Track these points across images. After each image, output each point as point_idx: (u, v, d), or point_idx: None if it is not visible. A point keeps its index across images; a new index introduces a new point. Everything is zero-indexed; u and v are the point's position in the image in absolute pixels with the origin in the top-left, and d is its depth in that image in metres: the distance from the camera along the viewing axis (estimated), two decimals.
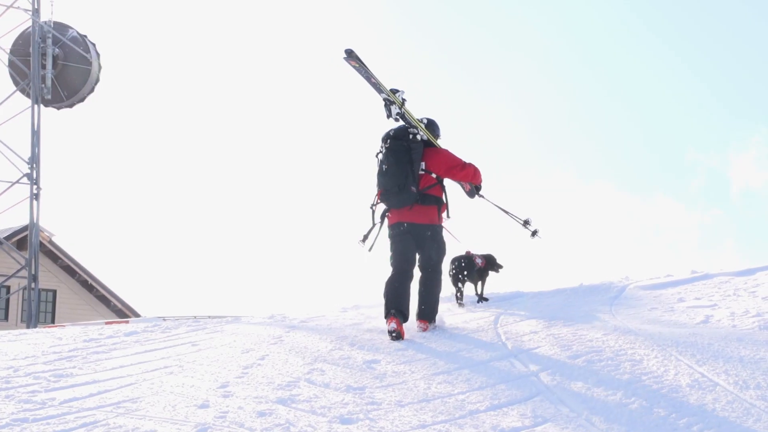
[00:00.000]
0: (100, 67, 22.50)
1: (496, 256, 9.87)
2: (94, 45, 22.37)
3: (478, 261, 9.69)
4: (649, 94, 52.95)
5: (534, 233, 8.91)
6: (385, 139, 8.43)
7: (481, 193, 8.83)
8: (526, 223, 8.95)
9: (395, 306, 7.80)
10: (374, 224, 8.52)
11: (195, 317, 13.46)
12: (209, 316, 13.44)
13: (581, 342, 6.53)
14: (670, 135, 53.72)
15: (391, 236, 8.34)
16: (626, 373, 5.55)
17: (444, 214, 8.42)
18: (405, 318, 7.82)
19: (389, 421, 4.74)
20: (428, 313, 8.02)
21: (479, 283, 9.85)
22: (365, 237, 8.52)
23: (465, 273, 9.65)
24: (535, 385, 5.46)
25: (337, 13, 53.52)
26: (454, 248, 8.94)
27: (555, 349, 6.37)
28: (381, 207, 8.54)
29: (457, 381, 5.63)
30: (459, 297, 9.58)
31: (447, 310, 8.94)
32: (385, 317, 7.79)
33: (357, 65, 8.61)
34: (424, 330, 7.86)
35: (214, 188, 53.12)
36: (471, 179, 8.60)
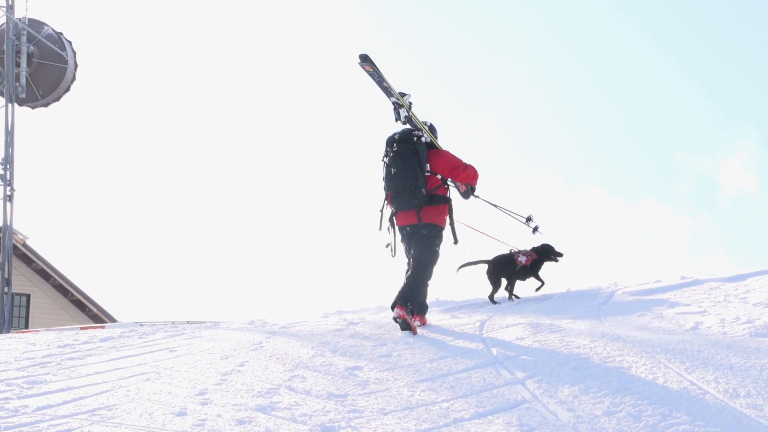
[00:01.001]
0: (76, 66, 22.37)
1: (553, 245, 10.16)
2: (70, 43, 22.24)
3: (521, 260, 9.99)
4: (638, 96, 53.14)
5: (535, 229, 9.41)
6: (390, 143, 8.75)
7: (476, 193, 9.17)
8: (528, 219, 9.42)
9: (402, 298, 8.21)
10: (389, 228, 8.89)
11: (173, 322, 13.39)
12: (187, 322, 13.37)
13: (568, 349, 6.54)
14: (659, 138, 53.92)
15: (399, 238, 8.83)
16: (614, 381, 5.56)
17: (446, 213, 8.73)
18: (411, 311, 8.25)
19: (372, 430, 4.74)
20: (401, 298, 8.20)
21: (517, 281, 10.28)
22: (389, 244, 8.87)
23: (503, 272, 10.03)
24: (521, 392, 5.47)
25: (318, 11, 53.51)
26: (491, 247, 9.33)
27: (541, 356, 6.38)
28: (388, 210, 8.88)
29: (442, 388, 5.63)
30: (492, 295, 10.15)
31: (431, 314, 8.96)
32: (392, 307, 8.17)
33: (371, 70, 8.91)
34: (420, 324, 8.35)
35: (191, 191, 53.02)
36: (471, 180, 8.97)
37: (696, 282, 9.81)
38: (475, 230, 9.65)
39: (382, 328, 8.15)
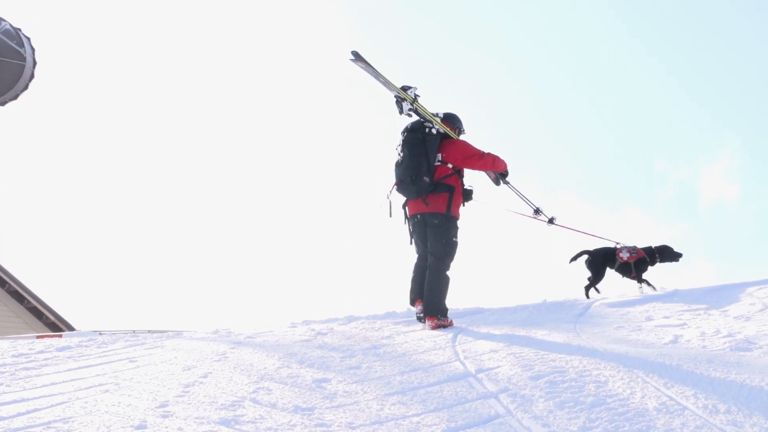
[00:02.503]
0: (35, 63, 22.21)
1: (671, 246, 10.52)
2: (29, 39, 22.09)
3: (623, 256, 10.26)
4: (617, 101, 53.41)
5: (551, 221, 9.82)
6: (402, 132, 9.34)
7: (507, 179, 9.81)
8: (537, 211, 9.85)
9: (417, 292, 9.15)
10: (389, 206, 9.49)
11: (133, 331, 13.35)
12: (149, 331, 13.33)
13: (544, 362, 6.56)
14: (638, 144, 54.20)
15: (410, 227, 9.41)
16: (590, 396, 5.57)
17: (460, 203, 9.28)
18: (439, 312, 8.84)
19: None
20: (429, 307, 8.86)
21: (628, 277, 10.56)
22: (389, 212, 9.48)
23: (602, 265, 10.39)
24: (494, 407, 5.47)
25: (291, 8, 53.47)
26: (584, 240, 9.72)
27: (516, 369, 6.39)
28: (398, 197, 9.49)
29: (412, 402, 5.63)
30: (587, 290, 10.70)
31: (404, 324, 8.96)
32: (411, 303, 9.23)
33: (364, 66, 9.27)
34: (433, 328, 8.71)
35: (152, 194, 52.77)
36: (491, 168, 9.46)
37: (676, 293, 9.87)
38: (520, 195, 10.20)
39: (351, 339, 8.14)
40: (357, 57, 9.21)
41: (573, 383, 5.89)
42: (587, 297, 10.46)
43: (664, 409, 5.27)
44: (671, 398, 5.48)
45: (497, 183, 9.73)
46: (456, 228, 9.17)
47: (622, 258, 10.49)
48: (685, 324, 8.05)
